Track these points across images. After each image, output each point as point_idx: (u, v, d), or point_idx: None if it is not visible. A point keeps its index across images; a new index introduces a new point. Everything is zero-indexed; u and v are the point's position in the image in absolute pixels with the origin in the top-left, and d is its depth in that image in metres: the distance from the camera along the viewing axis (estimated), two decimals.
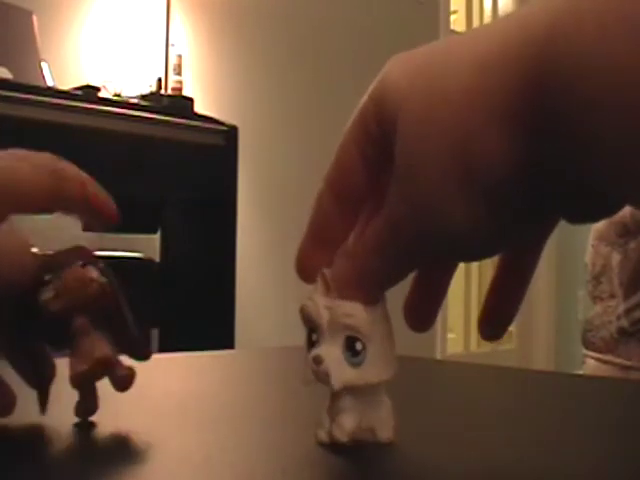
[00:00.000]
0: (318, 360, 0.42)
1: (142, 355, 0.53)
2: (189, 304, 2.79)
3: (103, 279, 0.52)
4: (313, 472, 0.41)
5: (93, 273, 0.52)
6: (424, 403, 0.64)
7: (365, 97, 0.42)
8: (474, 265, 4.86)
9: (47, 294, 0.49)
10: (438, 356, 4.14)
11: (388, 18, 3.95)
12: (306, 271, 0.44)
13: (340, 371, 0.41)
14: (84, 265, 0.52)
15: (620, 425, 0.58)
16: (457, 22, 4.70)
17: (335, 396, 0.43)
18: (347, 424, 0.43)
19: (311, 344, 0.43)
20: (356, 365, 0.42)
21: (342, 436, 0.43)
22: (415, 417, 0.55)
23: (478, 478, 0.41)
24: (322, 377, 0.42)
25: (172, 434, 0.49)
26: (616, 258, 1.37)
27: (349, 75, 3.72)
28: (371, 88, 0.42)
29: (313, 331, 0.43)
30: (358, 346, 0.42)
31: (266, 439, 0.49)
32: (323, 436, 0.44)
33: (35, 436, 0.49)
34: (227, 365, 0.88)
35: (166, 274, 2.82)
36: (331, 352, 0.42)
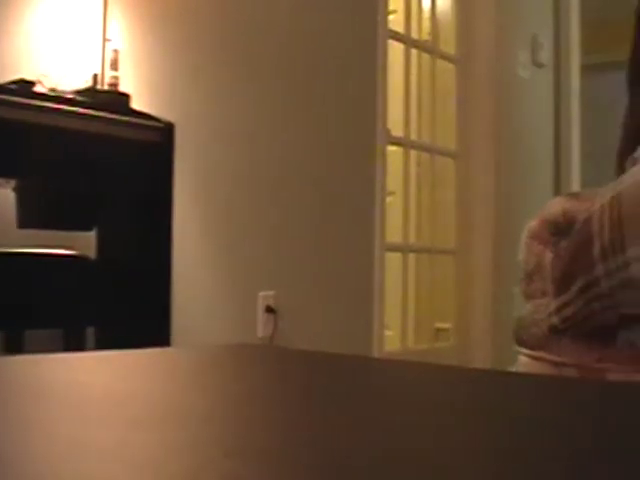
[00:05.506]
0: None
1: None
2: (125, 302, 2.77)
3: None
4: (247, 467, 0.41)
5: None
6: (361, 400, 0.65)
7: None
8: (411, 261, 4.89)
9: None
10: (375, 354, 4.15)
11: (325, 17, 3.95)
12: None
13: None
14: None
15: (547, 420, 0.59)
16: (395, 22, 4.72)
17: None
18: None
19: None
20: None
21: None
22: (352, 414, 0.56)
23: (413, 472, 0.42)
24: None
25: (105, 431, 0.49)
26: (548, 256, 1.39)
27: (286, 73, 3.72)
28: None
29: None
30: None
31: (199, 436, 0.49)
32: None
33: None
34: (163, 362, 0.88)
35: (102, 272, 2.80)
36: None
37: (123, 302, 2.76)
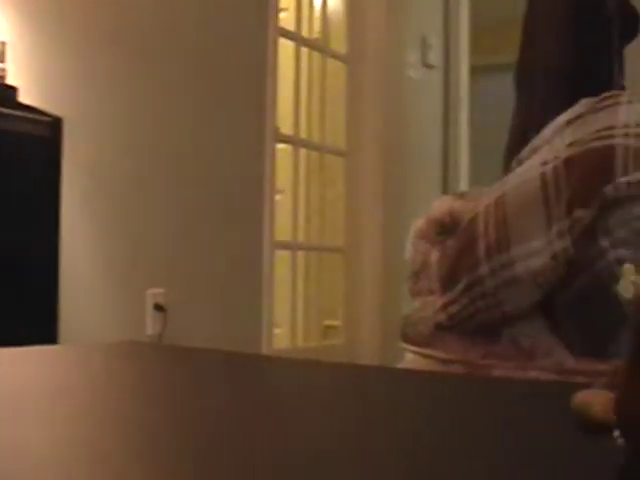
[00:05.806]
0: None
1: None
2: (11, 299, 2.72)
3: None
4: (123, 464, 0.41)
5: None
6: (249, 397, 0.65)
7: None
8: (300, 259, 4.91)
9: None
10: (264, 351, 4.16)
11: (216, 14, 3.94)
12: None
13: None
14: None
15: (433, 415, 0.60)
16: (286, 20, 4.72)
17: None
18: None
19: None
20: None
21: None
22: (240, 411, 0.56)
23: (299, 470, 0.42)
24: None
25: None
26: (435, 255, 1.41)
27: (175, 69, 3.69)
28: None
29: None
30: None
31: (84, 433, 0.49)
32: None
33: None
34: (49, 360, 0.87)
35: None
36: None
37: (9, 299, 2.71)
